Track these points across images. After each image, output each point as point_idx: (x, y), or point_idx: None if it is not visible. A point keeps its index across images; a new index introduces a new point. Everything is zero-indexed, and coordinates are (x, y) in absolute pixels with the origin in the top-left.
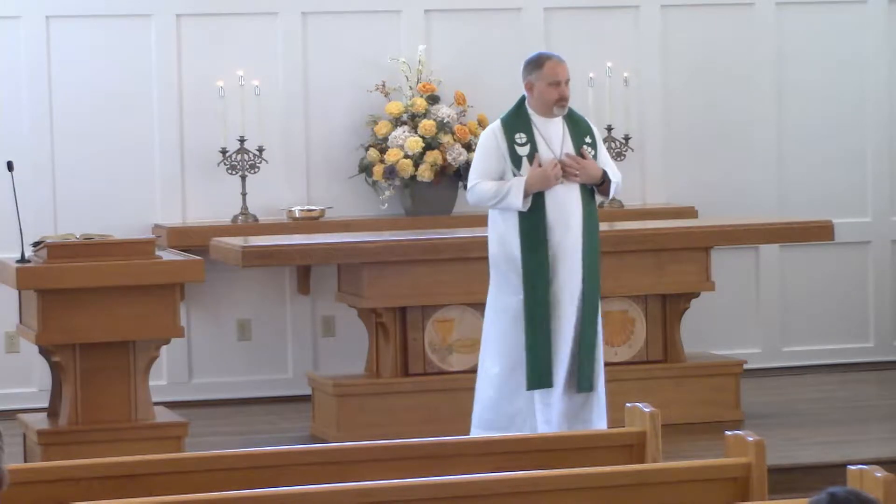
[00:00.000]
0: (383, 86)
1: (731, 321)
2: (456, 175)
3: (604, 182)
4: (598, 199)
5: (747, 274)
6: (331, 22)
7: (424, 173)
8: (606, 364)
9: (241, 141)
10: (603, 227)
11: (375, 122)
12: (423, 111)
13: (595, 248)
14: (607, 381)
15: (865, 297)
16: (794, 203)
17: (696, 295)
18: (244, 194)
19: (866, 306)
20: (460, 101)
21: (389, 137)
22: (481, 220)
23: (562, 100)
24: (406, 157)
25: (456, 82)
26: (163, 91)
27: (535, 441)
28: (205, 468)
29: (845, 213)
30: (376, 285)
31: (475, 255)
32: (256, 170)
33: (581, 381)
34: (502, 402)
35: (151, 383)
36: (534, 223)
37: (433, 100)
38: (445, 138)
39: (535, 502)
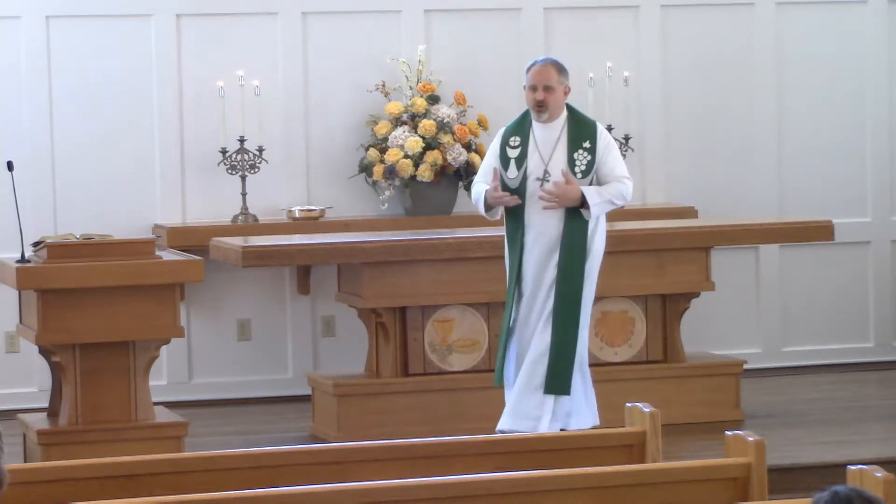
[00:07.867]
0: (383, 86)
1: (731, 321)
2: (456, 175)
3: (583, 204)
4: (588, 216)
5: (747, 274)
6: (331, 22)
7: (424, 173)
8: (607, 364)
9: (241, 141)
10: None
11: (375, 122)
12: (423, 111)
13: (575, 253)
14: (608, 381)
15: (865, 297)
16: (794, 203)
17: (696, 295)
18: (244, 194)
19: (866, 306)
20: (460, 101)
21: (389, 137)
22: (481, 220)
23: (536, 105)
24: (406, 157)
25: (456, 82)
26: (163, 91)
27: (535, 441)
28: (205, 468)
29: (845, 213)
30: (376, 285)
31: (475, 255)
32: (256, 170)
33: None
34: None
35: (151, 383)
36: (513, 227)
37: (433, 100)
38: (445, 138)
39: (535, 502)
